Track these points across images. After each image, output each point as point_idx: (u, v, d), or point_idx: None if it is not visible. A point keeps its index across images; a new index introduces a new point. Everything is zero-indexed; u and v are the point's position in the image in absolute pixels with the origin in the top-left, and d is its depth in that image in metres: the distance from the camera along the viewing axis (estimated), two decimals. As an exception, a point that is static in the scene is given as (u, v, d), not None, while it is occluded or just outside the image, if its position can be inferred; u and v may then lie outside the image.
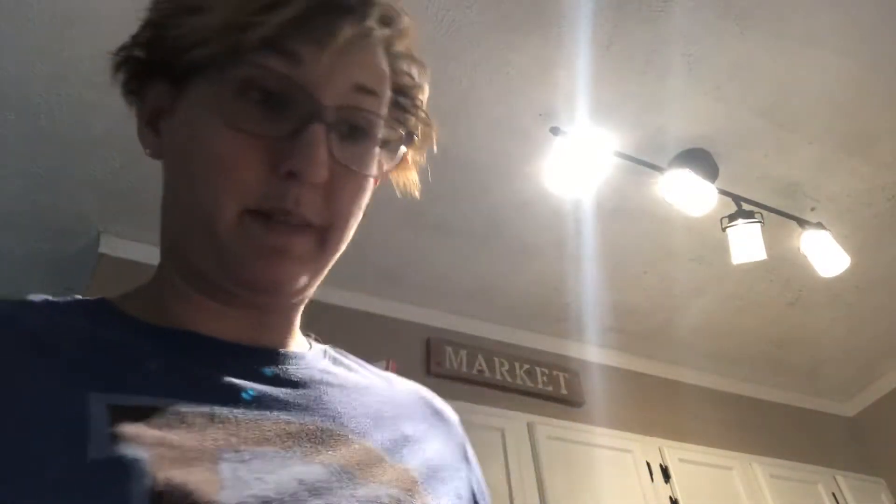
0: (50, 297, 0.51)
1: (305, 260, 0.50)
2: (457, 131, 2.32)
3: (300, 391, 0.51)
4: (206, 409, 0.44)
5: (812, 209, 2.78)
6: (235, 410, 0.45)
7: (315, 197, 0.49)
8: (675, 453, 2.96)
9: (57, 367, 0.43)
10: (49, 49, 2.02)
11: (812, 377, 3.80)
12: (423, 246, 2.81)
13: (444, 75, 2.15)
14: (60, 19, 1.95)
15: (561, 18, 2.07)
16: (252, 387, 0.48)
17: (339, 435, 0.49)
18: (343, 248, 0.53)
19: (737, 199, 2.48)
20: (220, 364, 0.49)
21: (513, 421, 2.74)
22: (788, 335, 3.48)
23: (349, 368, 0.59)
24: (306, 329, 0.60)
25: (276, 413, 0.47)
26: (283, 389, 0.50)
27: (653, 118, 2.40)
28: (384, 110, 0.54)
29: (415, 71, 0.56)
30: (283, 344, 0.55)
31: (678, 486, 2.83)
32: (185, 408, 0.43)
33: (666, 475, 2.86)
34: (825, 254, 2.58)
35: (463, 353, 3.01)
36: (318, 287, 0.55)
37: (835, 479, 3.33)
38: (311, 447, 0.46)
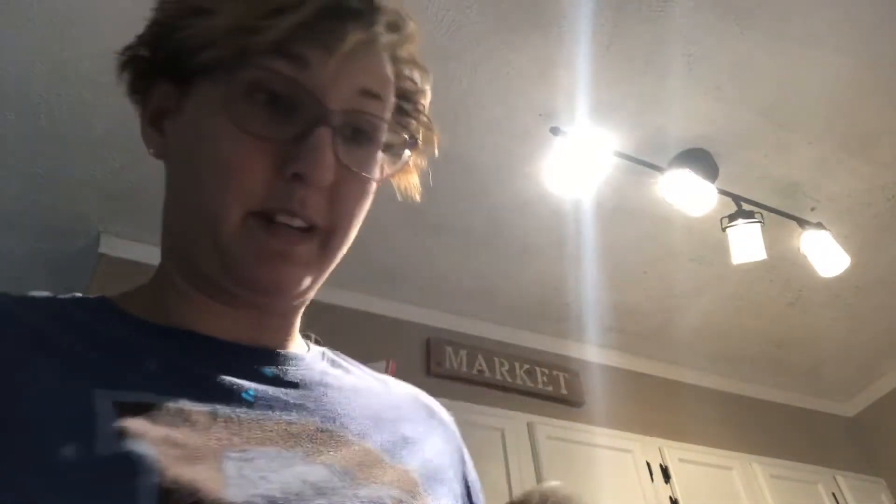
0: (51, 294, 0.51)
1: (308, 263, 0.51)
2: (457, 131, 2.32)
3: (300, 392, 0.51)
4: (208, 408, 0.44)
5: (812, 209, 2.78)
6: (238, 410, 0.46)
7: (319, 199, 0.49)
8: (675, 453, 2.96)
9: (59, 364, 0.43)
10: (49, 49, 2.02)
11: (812, 377, 3.81)
12: (423, 246, 2.81)
13: (444, 75, 2.15)
14: (60, 19, 1.95)
15: (561, 18, 2.08)
16: (252, 387, 0.48)
17: (339, 436, 0.49)
18: (345, 250, 0.54)
19: (737, 199, 2.48)
20: (220, 363, 0.49)
21: (513, 421, 2.74)
22: (788, 335, 3.48)
23: (347, 371, 0.59)
24: (307, 328, 0.60)
25: (277, 413, 0.47)
26: (284, 390, 0.50)
27: (653, 118, 2.40)
28: (388, 115, 0.54)
29: (417, 76, 0.57)
30: (283, 345, 0.56)
31: (678, 486, 2.84)
32: (187, 406, 0.44)
33: (666, 475, 2.86)
34: (825, 254, 2.58)
35: (463, 353, 3.01)
36: (319, 287, 0.55)
37: (835, 479, 3.34)
38: (312, 447, 0.46)
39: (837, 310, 3.34)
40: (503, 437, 2.65)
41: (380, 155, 0.54)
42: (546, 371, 3.15)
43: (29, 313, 0.47)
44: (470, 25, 2.07)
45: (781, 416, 3.75)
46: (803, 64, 2.28)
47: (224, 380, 0.48)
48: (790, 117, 2.45)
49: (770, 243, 2.48)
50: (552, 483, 1.75)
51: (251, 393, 0.48)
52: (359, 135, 0.52)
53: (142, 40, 0.54)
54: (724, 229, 2.49)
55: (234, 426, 0.44)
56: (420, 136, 0.58)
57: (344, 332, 2.43)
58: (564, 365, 3.24)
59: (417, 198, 0.61)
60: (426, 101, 0.59)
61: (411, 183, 0.61)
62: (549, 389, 3.09)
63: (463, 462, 0.61)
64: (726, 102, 2.37)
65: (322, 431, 0.48)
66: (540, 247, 2.85)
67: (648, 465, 2.86)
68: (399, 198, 0.62)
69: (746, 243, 2.43)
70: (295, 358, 0.55)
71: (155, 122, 0.55)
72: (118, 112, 2.12)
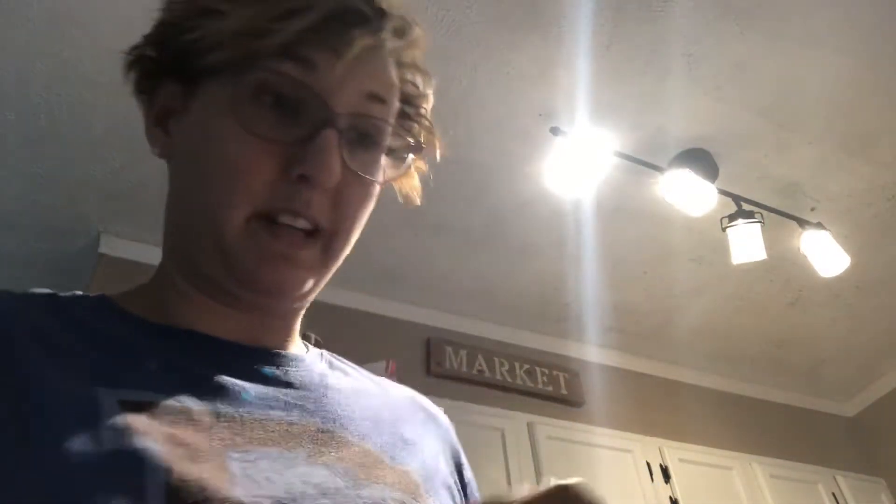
0: (52, 291, 0.51)
1: (311, 266, 0.51)
2: (457, 131, 2.32)
3: (300, 393, 0.51)
4: (209, 407, 0.45)
5: (812, 209, 2.78)
6: (240, 410, 0.46)
7: (324, 201, 0.50)
8: (675, 453, 2.96)
9: (61, 361, 0.43)
10: (49, 49, 2.02)
11: (812, 377, 3.81)
12: (423, 246, 2.81)
13: (445, 76, 2.15)
14: (60, 19, 1.95)
15: (561, 18, 2.08)
16: (252, 387, 0.48)
17: (339, 437, 0.49)
18: (347, 253, 0.54)
19: (737, 199, 2.48)
20: (220, 363, 0.49)
21: (513, 421, 2.74)
22: (788, 335, 3.48)
23: (345, 373, 0.60)
24: (307, 329, 0.60)
25: (278, 414, 0.48)
26: (283, 390, 0.50)
27: (653, 118, 2.40)
28: (392, 118, 0.55)
29: (419, 80, 0.58)
30: (283, 346, 0.56)
31: (678, 486, 2.84)
32: (189, 405, 0.44)
33: (666, 475, 2.86)
34: (825, 254, 2.58)
35: (463, 353, 3.01)
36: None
37: (835, 479, 3.34)
38: (313, 448, 0.46)
39: (837, 310, 3.34)
40: (503, 437, 2.65)
41: (383, 158, 0.55)
42: (546, 371, 3.15)
43: (30, 310, 0.47)
44: (470, 25, 2.07)
45: (781, 416, 3.75)
46: (803, 64, 2.28)
47: (224, 379, 0.48)
48: (790, 117, 2.45)
49: (770, 243, 2.48)
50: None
51: (251, 393, 0.48)
52: (364, 138, 0.52)
53: (149, 40, 0.54)
54: (724, 229, 2.49)
55: (237, 426, 0.44)
56: (422, 140, 0.58)
57: (344, 332, 2.43)
58: (564, 365, 3.24)
59: (418, 201, 0.61)
60: (429, 105, 0.59)
61: (412, 186, 0.61)
62: (549, 389, 3.09)
63: (460, 463, 0.61)
64: (726, 102, 2.37)
65: (323, 432, 0.48)
66: (540, 247, 2.85)
67: (648, 465, 2.86)
68: (400, 200, 0.62)
69: (746, 243, 2.43)
70: (295, 359, 0.55)
71: (160, 122, 0.55)
72: (118, 112, 2.12)
